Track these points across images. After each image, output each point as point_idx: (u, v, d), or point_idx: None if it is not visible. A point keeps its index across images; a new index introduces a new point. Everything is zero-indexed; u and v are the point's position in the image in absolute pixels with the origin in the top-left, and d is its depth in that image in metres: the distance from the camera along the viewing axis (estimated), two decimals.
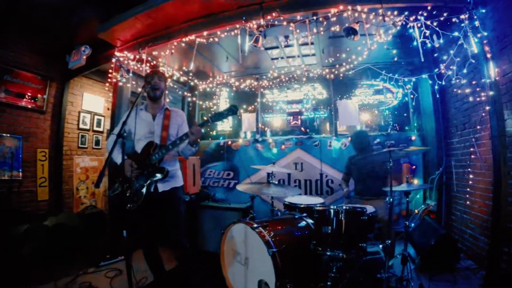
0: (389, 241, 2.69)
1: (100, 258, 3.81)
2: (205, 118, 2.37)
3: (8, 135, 4.41)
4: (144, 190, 2.44)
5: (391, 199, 2.72)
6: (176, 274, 3.38)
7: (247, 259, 2.59)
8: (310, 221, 2.81)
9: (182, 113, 2.79)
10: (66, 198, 5.29)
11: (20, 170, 4.53)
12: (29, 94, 4.70)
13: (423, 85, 4.69)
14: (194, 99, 6.42)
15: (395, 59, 4.55)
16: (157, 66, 4.64)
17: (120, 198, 2.51)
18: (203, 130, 2.37)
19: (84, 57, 4.47)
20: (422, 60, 3.45)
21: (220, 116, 2.32)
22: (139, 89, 4.77)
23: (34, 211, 4.62)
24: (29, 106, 4.72)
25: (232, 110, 2.28)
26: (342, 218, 2.46)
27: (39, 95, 4.85)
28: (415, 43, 3.37)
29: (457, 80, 3.58)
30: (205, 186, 5.82)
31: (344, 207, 2.49)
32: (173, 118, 2.66)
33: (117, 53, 4.34)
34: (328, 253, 2.41)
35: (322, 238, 2.50)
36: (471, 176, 3.62)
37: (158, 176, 2.43)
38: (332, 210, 2.50)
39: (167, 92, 5.55)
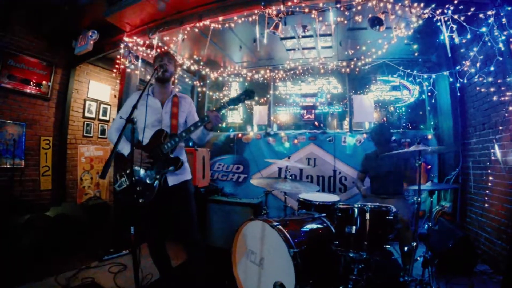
0: (414, 243, 2.50)
1: (103, 252, 3.66)
2: (222, 102, 2.25)
3: (11, 121, 4.24)
4: (156, 183, 2.26)
5: (419, 199, 2.53)
6: (182, 271, 3.25)
7: (262, 259, 2.43)
8: (328, 222, 2.67)
9: (190, 99, 2.61)
10: (70, 188, 5.15)
11: (23, 158, 4.38)
12: (33, 80, 4.53)
13: (440, 83, 4.51)
14: (204, 89, 6.24)
15: (416, 54, 4.35)
16: (168, 51, 4.45)
17: (128, 192, 2.32)
18: (220, 115, 2.25)
19: (91, 42, 4.29)
20: (450, 55, 3.30)
21: (236, 100, 2.22)
22: (148, 77, 4.62)
23: (36, 200, 4.48)
24: (33, 93, 4.54)
25: (249, 95, 2.18)
26: (367, 218, 2.28)
27: (43, 82, 4.68)
28: (441, 36, 3.21)
29: (480, 78, 3.44)
30: (213, 179, 5.68)
31: (369, 206, 2.32)
32: (181, 105, 2.47)
33: (125, 38, 4.17)
34: (351, 255, 2.25)
35: (345, 238, 2.33)
36: (490, 178, 3.46)
37: (171, 167, 2.27)
38: (356, 209, 2.33)
39: (176, 81, 5.44)
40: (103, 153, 5.78)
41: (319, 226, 2.64)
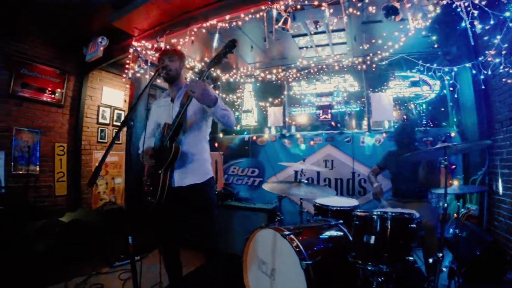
0: (440, 254, 2.25)
1: (115, 258, 3.61)
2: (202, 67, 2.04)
3: (26, 129, 4.32)
4: (161, 178, 2.11)
5: (445, 204, 2.27)
6: (192, 279, 3.14)
7: (273, 270, 2.26)
8: (346, 230, 2.46)
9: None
10: (85, 193, 5.18)
11: (38, 164, 4.45)
12: (46, 88, 4.60)
13: (462, 76, 4.18)
14: (217, 91, 6.14)
15: (435, 46, 4.07)
16: (167, 49, 4.42)
17: (141, 192, 2.23)
18: (205, 82, 1.91)
19: (101, 48, 4.35)
20: (473, 43, 3.03)
21: (217, 58, 1.96)
22: (158, 80, 4.58)
23: (51, 206, 4.54)
24: (47, 100, 4.62)
25: (229, 46, 1.93)
26: (388, 226, 2.06)
27: (57, 89, 4.75)
28: (463, 23, 2.95)
29: (505, 69, 3.13)
30: (228, 183, 5.55)
31: (390, 213, 2.10)
32: None
33: (134, 43, 4.14)
34: (370, 268, 2.03)
35: (363, 248, 2.12)
36: None
37: (169, 157, 2.05)
38: (375, 216, 2.10)
39: (186, 78, 5.35)
40: (118, 158, 5.79)
41: (336, 234, 2.44)
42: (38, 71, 4.46)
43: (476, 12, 2.81)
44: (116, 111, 5.75)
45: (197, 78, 2.01)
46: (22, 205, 3.92)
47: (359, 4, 2.97)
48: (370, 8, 3.06)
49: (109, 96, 5.65)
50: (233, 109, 6.30)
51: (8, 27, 4.08)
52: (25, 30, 4.31)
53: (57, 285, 2.95)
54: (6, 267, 2.97)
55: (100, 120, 5.52)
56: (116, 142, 5.64)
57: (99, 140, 5.49)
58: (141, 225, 3.38)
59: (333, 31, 4.04)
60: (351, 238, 2.35)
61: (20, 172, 4.19)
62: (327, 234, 2.40)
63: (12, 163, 4.14)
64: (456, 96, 4.27)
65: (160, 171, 2.10)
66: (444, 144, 2.18)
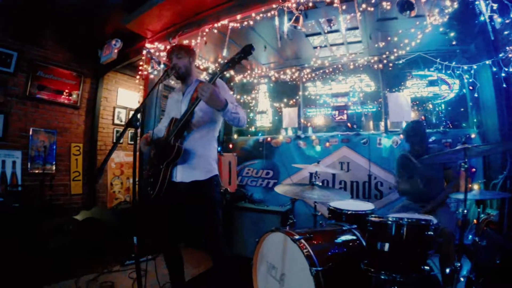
0: (459, 264, 2.11)
1: (127, 256, 3.62)
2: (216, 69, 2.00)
3: (42, 129, 4.44)
4: (162, 172, 2.09)
5: (465, 211, 2.13)
6: (199, 283, 3.09)
7: (283, 275, 2.20)
8: (359, 234, 2.36)
9: (220, 81, 2.21)
10: (100, 192, 5.26)
11: (54, 163, 4.56)
12: (63, 90, 4.71)
13: (482, 74, 3.97)
14: (231, 92, 6.09)
15: (453, 43, 3.90)
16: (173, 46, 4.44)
17: (145, 185, 2.22)
18: (220, 94, 1.89)
19: (116, 50, 4.41)
20: (492, 38, 2.85)
21: (231, 62, 1.92)
22: (171, 82, 4.58)
23: (67, 204, 4.64)
24: (63, 102, 4.73)
25: (245, 51, 1.88)
26: (403, 233, 1.95)
27: (73, 91, 4.86)
28: (482, 18, 2.84)
29: None
30: (242, 185, 5.51)
31: (406, 219, 1.98)
32: None
33: (147, 45, 4.18)
34: (383, 277, 1.92)
35: (377, 256, 2.02)
36: None
37: (171, 155, 2.04)
38: (390, 223, 2.00)
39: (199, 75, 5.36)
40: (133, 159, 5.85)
41: (349, 240, 2.33)
42: (54, 74, 4.57)
43: (495, 5, 2.65)
44: (131, 112, 5.81)
45: (208, 80, 1.98)
46: (38, 203, 4.03)
47: (373, 0, 2.85)
48: (384, 4, 2.95)
49: (124, 98, 5.72)
50: (248, 110, 6.30)
51: (27, 32, 4.21)
52: (42, 34, 4.43)
53: (67, 281, 3.00)
54: (20, 262, 3.03)
55: (116, 121, 5.60)
56: (130, 143, 5.79)
57: (115, 140, 5.56)
58: (147, 224, 3.40)
59: (348, 29, 3.93)
60: (364, 244, 2.26)
61: (37, 171, 4.30)
62: (340, 239, 2.29)
63: (29, 162, 4.24)
64: (476, 95, 4.08)
65: (161, 166, 2.09)
66: (463, 146, 2.05)
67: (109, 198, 5.38)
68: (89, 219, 3.93)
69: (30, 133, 4.28)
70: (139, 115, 1.68)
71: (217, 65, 5.05)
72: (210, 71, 5.15)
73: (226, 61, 1.95)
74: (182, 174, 2.13)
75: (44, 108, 4.46)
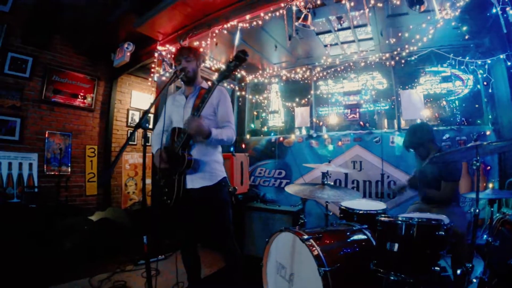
0: (470, 265, 2.04)
1: (140, 256, 3.68)
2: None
3: (58, 132, 4.58)
4: (175, 183, 2.16)
5: (477, 210, 2.04)
6: (212, 281, 3.12)
7: (292, 275, 2.18)
8: (370, 234, 2.33)
9: (220, 90, 2.27)
10: (115, 193, 5.37)
11: (69, 165, 4.69)
12: (77, 93, 4.85)
13: (497, 69, 3.85)
14: (243, 93, 6.12)
15: (466, 37, 3.79)
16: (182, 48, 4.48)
17: (160, 192, 2.28)
18: (205, 125, 2.01)
19: (128, 53, 4.49)
20: (505, 31, 2.76)
21: (227, 71, 1.95)
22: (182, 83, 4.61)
23: (82, 205, 4.76)
24: (78, 105, 4.87)
25: (240, 58, 1.89)
26: (414, 233, 1.91)
27: (87, 94, 4.99)
28: (494, 10, 2.73)
29: None
30: (255, 185, 5.54)
31: (416, 219, 1.93)
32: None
33: (159, 47, 4.22)
34: (392, 278, 1.89)
35: (386, 257, 1.98)
36: None
37: (182, 166, 2.11)
38: (400, 222, 1.96)
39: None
40: (147, 160, 5.92)
41: (358, 240, 2.30)
42: (69, 78, 4.72)
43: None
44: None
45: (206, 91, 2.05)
46: (54, 204, 4.15)
47: None
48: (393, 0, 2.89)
49: (138, 100, 5.83)
50: (260, 110, 6.31)
51: (41, 38, 4.35)
52: (56, 40, 4.58)
53: (81, 280, 3.06)
54: (36, 261, 3.13)
55: (130, 123, 5.71)
56: (147, 144, 5.89)
57: (129, 142, 5.66)
58: (166, 224, 3.45)
59: (358, 26, 3.88)
60: (374, 244, 2.22)
61: (52, 173, 4.45)
62: (349, 239, 2.27)
63: (45, 164, 4.39)
64: (490, 91, 3.95)
65: (174, 176, 2.16)
66: (476, 143, 1.98)
67: (123, 199, 5.49)
68: (104, 220, 4.02)
69: (46, 135, 4.42)
70: (147, 117, 1.72)
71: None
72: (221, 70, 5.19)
73: (221, 70, 1.97)
74: (191, 182, 2.19)
75: (59, 111, 4.61)
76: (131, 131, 5.72)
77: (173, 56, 4.13)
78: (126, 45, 4.40)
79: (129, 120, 5.71)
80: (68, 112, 4.72)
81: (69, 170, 4.68)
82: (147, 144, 2.03)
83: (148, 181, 5.89)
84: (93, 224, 3.88)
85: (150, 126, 4.26)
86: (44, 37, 4.37)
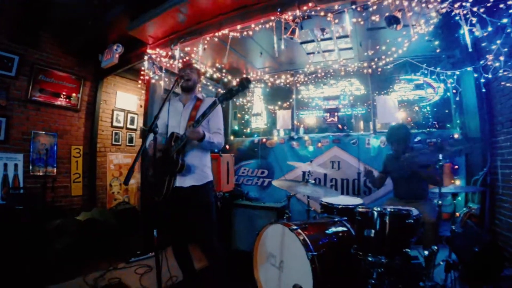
0: (436, 247, 2.41)
1: (131, 254, 3.78)
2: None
3: (43, 132, 4.54)
4: (166, 183, 2.34)
5: (440, 202, 2.45)
6: (205, 274, 3.28)
7: (282, 262, 2.43)
8: (349, 225, 2.63)
9: (215, 103, 2.46)
10: (100, 194, 5.38)
11: (55, 166, 4.66)
12: (63, 93, 4.83)
13: (465, 79, 4.30)
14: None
15: (438, 50, 4.21)
16: (190, 62, 4.61)
17: (149, 187, 2.44)
18: (201, 131, 2.23)
19: (117, 55, 4.51)
20: (471, 50, 3.15)
21: (229, 93, 2.10)
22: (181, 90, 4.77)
23: (68, 206, 4.74)
24: (64, 105, 4.84)
25: (244, 85, 2.04)
26: (387, 221, 2.25)
27: (73, 94, 4.97)
28: (462, 31, 3.08)
29: (505, 73, 3.21)
30: (238, 184, 5.72)
31: (388, 209, 2.29)
32: (202, 108, 2.47)
33: (149, 51, 4.32)
34: (370, 259, 2.22)
35: (364, 242, 2.31)
36: None
37: (174, 169, 2.32)
38: (375, 212, 2.30)
39: (200, 89, 5.56)
40: (131, 160, 5.98)
41: (339, 229, 2.60)
42: (55, 77, 4.69)
43: (474, 20, 2.92)
44: (129, 115, 5.97)
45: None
46: (40, 205, 4.09)
47: (364, 14, 3.12)
48: (373, 17, 3.21)
49: (123, 100, 5.87)
50: (243, 112, 6.54)
51: (28, 36, 4.29)
52: (43, 39, 4.54)
53: (75, 279, 3.12)
54: (26, 263, 3.15)
55: (114, 124, 5.73)
56: (129, 144, 5.93)
57: (114, 142, 5.70)
58: (153, 223, 3.55)
59: (339, 37, 4.20)
60: (353, 233, 2.51)
61: (38, 174, 4.40)
62: (332, 229, 2.57)
63: (31, 165, 4.34)
64: (458, 98, 4.38)
65: (165, 178, 2.34)
66: (439, 145, 2.35)
67: (108, 199, 5.52)
68: (90, 220, 4.05)
69: (32, 136, 4.37)
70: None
71: (214, 69, 5.28)
72: (207, 75, 5.36)
73: (225, 92, 2.13)
74: (181, 181, 2.39)
75: (45, 111, 4.56)
76: (119, 131, 5.78)
77: (166, 60, 4.32)
78: (115, 47, 4.42)
79: (114, 121, 5.73)
80: (54, 112, 4.69)
81: (55, 170, 4.65)
82: (130, 144, 2.21)
83: (132, 181, 5.97)
84: (80, 224, 3.91)
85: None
86: (32, 35, 4.33)
